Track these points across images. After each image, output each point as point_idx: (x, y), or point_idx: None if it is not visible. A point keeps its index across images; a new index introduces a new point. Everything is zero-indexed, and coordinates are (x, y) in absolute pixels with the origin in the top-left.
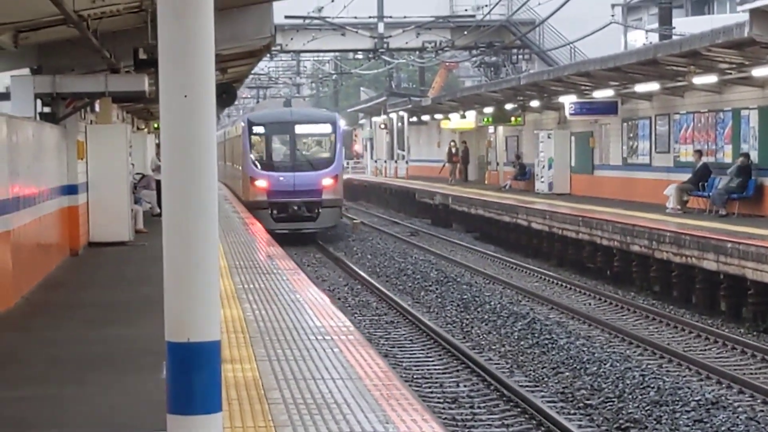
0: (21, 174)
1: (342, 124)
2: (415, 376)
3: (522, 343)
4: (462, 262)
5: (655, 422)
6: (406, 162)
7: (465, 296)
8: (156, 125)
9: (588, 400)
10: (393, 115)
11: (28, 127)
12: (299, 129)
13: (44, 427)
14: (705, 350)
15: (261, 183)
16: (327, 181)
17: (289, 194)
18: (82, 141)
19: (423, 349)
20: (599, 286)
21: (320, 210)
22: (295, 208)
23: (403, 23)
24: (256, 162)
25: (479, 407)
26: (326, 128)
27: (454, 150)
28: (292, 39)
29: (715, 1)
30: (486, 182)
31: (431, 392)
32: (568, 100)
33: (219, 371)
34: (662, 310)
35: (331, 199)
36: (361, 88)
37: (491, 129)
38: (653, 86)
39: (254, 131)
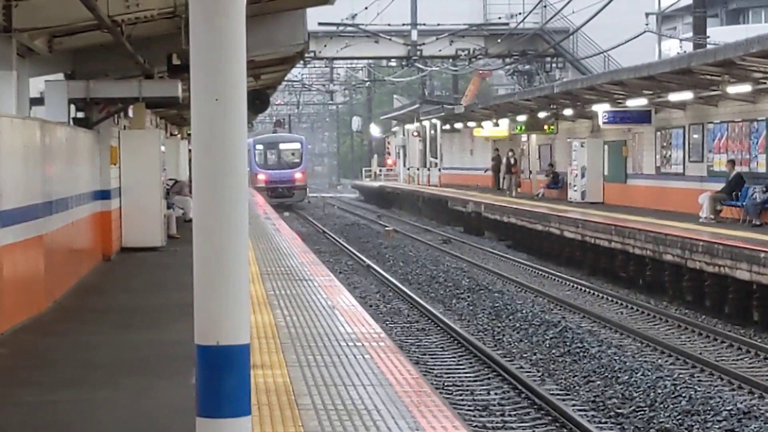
0: (54, 179)
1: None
2: (446, 384)
3: (553, 351)
4: (494, 270)
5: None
6: (439, 170)
7: (497, 304)
8: (189, 131)
9: (619, 409)
10: (426, 123)
11: (62, 132)
12: (282, 146)
13: (77, 431)
14: (737, 360)
15: (261, 176)
16: (297, 175)
17: (277, 182)
18: (116, 146)
19: (454, 357)
20: (631, 295)
21: (294, 191)
22: (280, 190)
23: (437, 31)
24: (259, 164)
25: (510, 415)
26: (297, 145)
27: (513, 160)
28: (325, 46)
29: (750, 10)
30: (518, 190)
31: (462, 400)
32: (601, 109)
33: (248, 375)
34: (694, 319)
35: (300, 185)
36: (395, 96)
37: (524, 137)
38: (687, 95)
39: (257, 147)
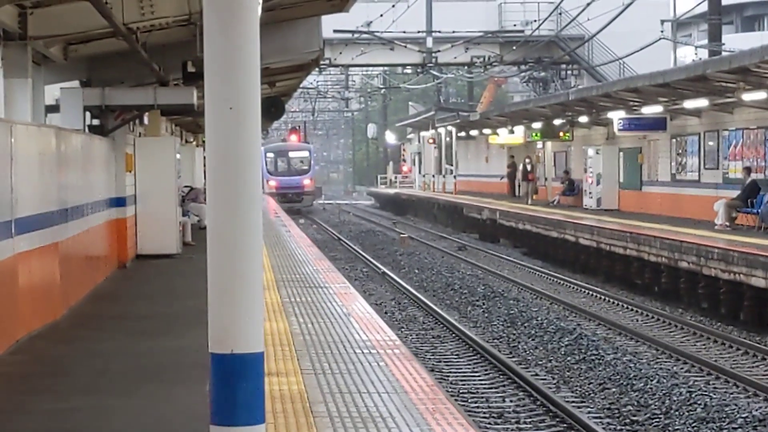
0: (69, 186)
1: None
2: (461, 391)
3: (569, 358)
4: (509, 277)
5: None
6: (454, 177)
7: (512, 311)
8: (204, 138)
9: (634, 416)
10: (441, 130)
11: (77, 140)
12: (291, 154)
13: None
14: (753, 367)
15: (272, 182)
16: (306, 182)
17: (287, 188)
18: (131, 153)
19: (469, 364)
20: (647, 302)
21: (303, 197)
22: (290, 195)
23: (452, 38)
24: (270, 171)
25: (525, 422)
26: (305, 153)
27: (529, 167)
28: (340, 53)
29: (765, 17)
30: (534, 197)
31: (477, 407)
32: (616, 116)
33: (262, 383)
34: (710, 326)
35: (309, 191)
36: (410, 103)
37: (539, 144)
38: (702, 102)
39: (267, 155)
